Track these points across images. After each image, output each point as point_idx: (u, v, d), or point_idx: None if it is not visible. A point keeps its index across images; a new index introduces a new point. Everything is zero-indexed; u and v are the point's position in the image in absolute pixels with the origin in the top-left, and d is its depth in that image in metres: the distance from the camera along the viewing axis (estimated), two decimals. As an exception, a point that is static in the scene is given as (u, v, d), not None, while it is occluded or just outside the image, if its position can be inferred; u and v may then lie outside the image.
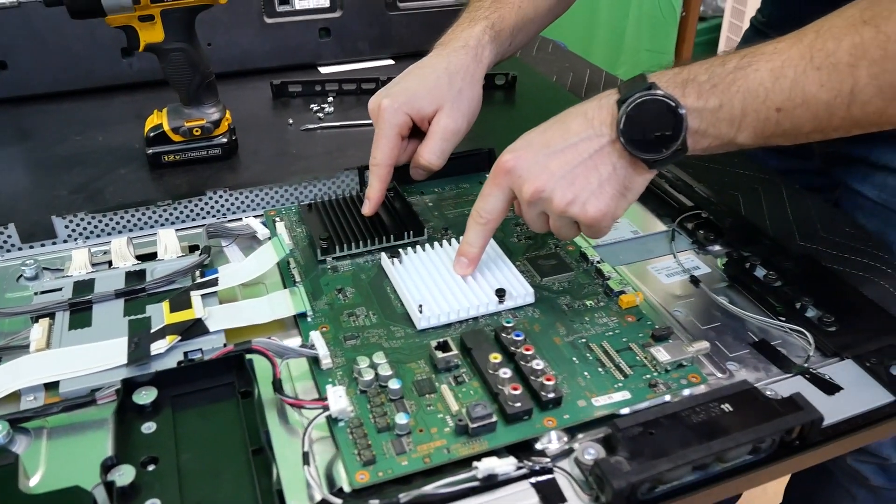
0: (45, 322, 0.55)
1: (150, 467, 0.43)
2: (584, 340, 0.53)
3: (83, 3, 0.68)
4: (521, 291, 0.56)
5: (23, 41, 0.93)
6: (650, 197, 0.71)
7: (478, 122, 0.92)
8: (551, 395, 0.46)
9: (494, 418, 0.45)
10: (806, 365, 0.51)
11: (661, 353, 0.50)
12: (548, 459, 0.44)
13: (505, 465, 0.42)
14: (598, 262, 0.60)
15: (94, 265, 0.62)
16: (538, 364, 0.48)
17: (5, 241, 0.65)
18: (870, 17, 0.45)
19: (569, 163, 0.51)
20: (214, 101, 0.79)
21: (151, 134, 0.78)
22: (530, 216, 0.55)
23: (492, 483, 0.42)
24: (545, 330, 0.54)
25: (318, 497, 0.42)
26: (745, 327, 0.55)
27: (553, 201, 0.52)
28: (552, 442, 0.45)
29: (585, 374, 0.50)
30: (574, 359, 0.51)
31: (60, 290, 0.58)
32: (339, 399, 0.46)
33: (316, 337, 0.51)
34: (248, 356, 0.49)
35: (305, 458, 0.43)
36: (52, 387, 0.50)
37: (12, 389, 0.49)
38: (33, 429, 0.48)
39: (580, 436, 0.46)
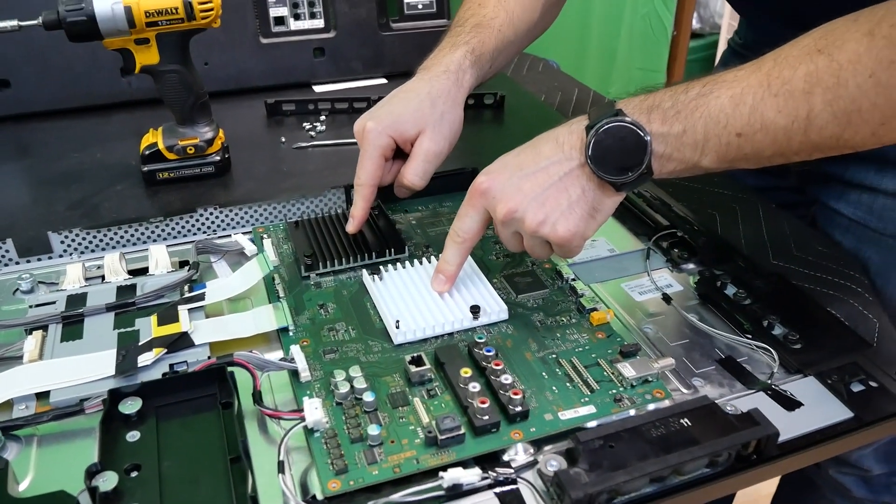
0: (38, 334, 0.57)
1: (133, 474, 0.45)
2: (554, 356, 0.54)
3: (81, 27, 0.70)
4: (495, 308, 0.58)
5: (25, 60, 0.95)
6: (628, 215, 0.73)
7: (466, 140, 0.94)
8: (518, 409, 0.48)
9: (463, 430, 0.47)
10: (769, 381, 0.53)
11: (628, 369, 0.52)
12: (512, 470, 0.46)
13: (470, 476, 0.44)
14: (573, 279, 0.62)
15: (87, 279, 0.65)
16: (507, 378, 0.50)
17: (3, 256, 0.68)
18: (824, 45, 0.47)
19: (540, 185, 0.54)
20: (208, 121, 0.81)
21: (147, 152, 0.80)
22: (505, 235, 0.57)
23: (457, 493, 0.44)
24: (517, 345, 0.56)
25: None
26: (713, 344, 0.57)
27: (525, 221, 0.54)
28: (518, 454, 0.47)
29: (554, 388, 0.51)
30: (543, 373, 0.53)
31: (54, 303, 0.61)
32: (314, 411, 0.48)
33: (296, 351, 0.53)
34: (229, 369, 0.52)
35: (280, 467, 0.45)
36: (43, 396, 0.52)
37: (5, 399, 0.52)
38: (24, 436, 0.50)
39: (546, 448, 0.48)
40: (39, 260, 0.69)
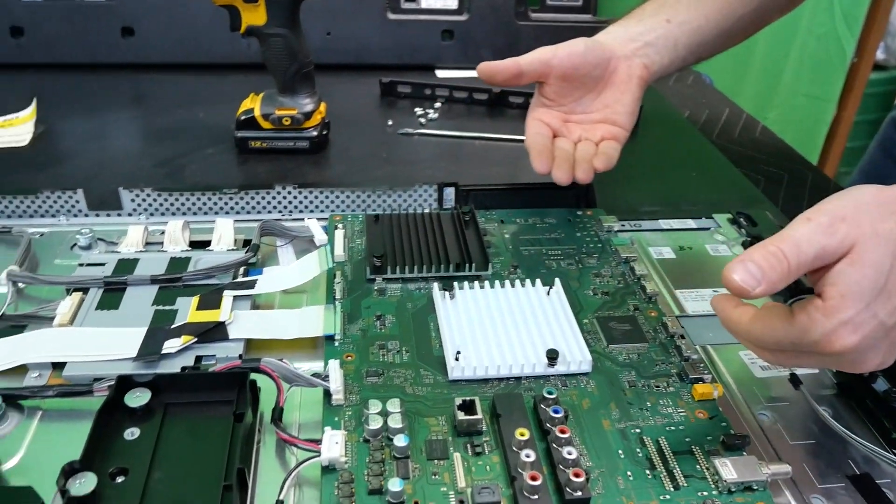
0: (76, 296, 0.53)
1: (119, 479, 0.39)
2: (638, 431, 0.44)
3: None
4: (577, 357, 0.48)
5: (151, 11, 0.94)
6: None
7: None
8: (577, 495, 0.39)
9: (502, 508, 0.38)
10: (917, 518, 0.40)
11: (728, 469, 0.40)
12: (552, 575, 0.36)
13: (497, 572, 0.35)
14: (680, 337, 0.51)
15: (147, 244, 0.60)
16: (570, 453, 0.40)
17: (73, 206, 0.64)
18: None
19: None
20: (309, 93, 0.76)
21: (242, 117, 0.76)
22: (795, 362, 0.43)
23: (476, 590, 0.35)
24: (595, 408, 0.45)
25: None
26: (847, 453, 0.44)
27: (863, 366, 0.39)
28: (566, 552, 0.38)
29: (629, 473, 0.41)
30: (620, 451, 0.42)
31: (103, 265, 0.56)
32: (334, 446, 0.41)
33: (333, 367, 0.46)
34: (253, 375, 0.45)
35: (277, 508, 0.38)
36: (59, 366, 0.48)
37: (21, 362, 0.47)
38: (28, 407, 0.46)
39: (605, 550, 0.38)
40: (108, 216, 0.65)
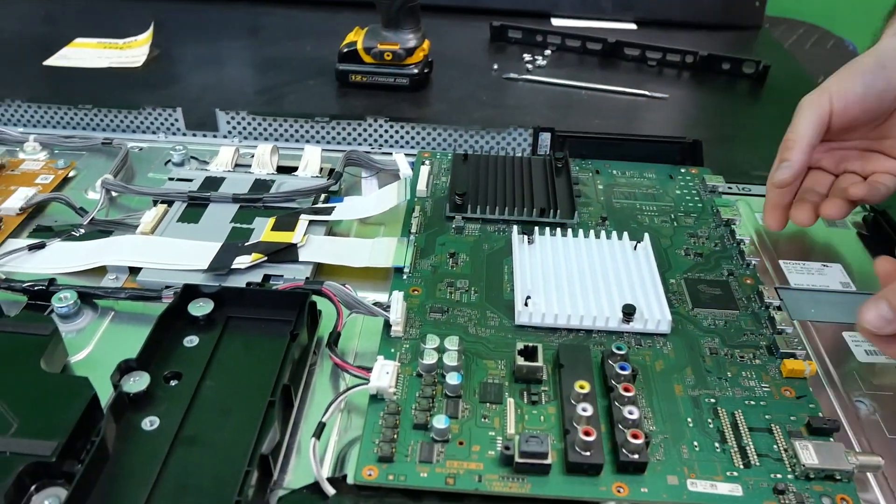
0: (161, 208, 0.54)
1: (172, 382, 0.40)
2: (712, 400, 0.40)
3: None
4: (656, 316, 0.44)
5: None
6: (883, 244, 0.54)
7: (708, 110, 0.78)
8: (633, 457, 0.35)
9: (549, 460, 0.35)
10: None
11: (809, 453, 0.36)
12: (593, 536, 0.33)
13: (534, 524, 0.33)
14: (777, 308, 0.46)
15: (237, 165, 0.61)
16: (632, 413, 0.37)
17: (172, 124, 0.66)
18: None
19: None
20: (414, 28, 0.74)
21: (344, 50, 0.75)
22: None
23: (508, 540, 0.33)
24: (668, 372, 0.42)
25: (315, 476, 0.36)
26: (958, 455, 0.39)
27: None
28: (613, 515, 0.35)
29: (695, 444, 0.37)
30: (689, 419, 0.39)
31: (191, 181, 0.57)
32: (384, 375, 0.39)
33: (396, 298, 0.44)
34: (314, 297, 0.44)
35: (318, 430, 0.37)
36: (136, 272, 0.49)
37: (100, 264, 0.49)
38: (102, 307, 0.47)
39: (657, 520, 0.35)
40: (205, 136, 0.66)
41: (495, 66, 0.82)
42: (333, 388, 0.43)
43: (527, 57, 0.84)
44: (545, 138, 0.63)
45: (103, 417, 0.36)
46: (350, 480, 0.36)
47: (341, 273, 0.50)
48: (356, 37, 0.75)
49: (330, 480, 0.36)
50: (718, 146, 0.65)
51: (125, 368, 0.39)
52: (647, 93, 0.77)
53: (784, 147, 0.49)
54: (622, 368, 0.40)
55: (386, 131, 0.64)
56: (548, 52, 0.86)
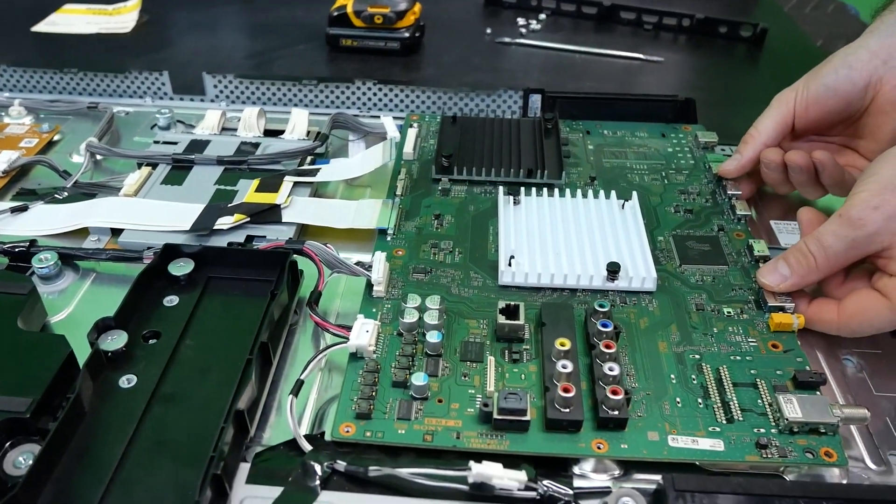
0: (145, 170, 0.54)
1: (151, 342, 0.39)
2: (697, 357, 0.40)
3: None
4: (641, 273, 0.43)
5: None
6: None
7: (704, 74, 0.77)
8: (612, 414, 0.35)
9: (528, 417, 0.35)
10: None
11: (793, 406, 0.35)
12: (570, 492, 0.33)
13: (509, 479, 0.32)
14: (764, 259, 0.45)
15: (223, 129, 0.60)
16: (612, 369, 0.36)
17: (159, 88, 0.65)
18: None
19: None
20: (404, -10, 0.72)
21: (335, 13, 0.73)
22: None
23: (483, 495, 0.32)
24: (653, 329, 0.41)
25: (293, 433, 0.35)
26: (944, 412, 0.38)
27: None
28: (591, 472, 0.34)
29: (677, 400, 0.37)
30: (672, 376, 0.38)
31: (176, 143, 0.57)
32: (363, 333, 0.39)
33: (378, 259, 0.44)
34: (296, 257, 0.44)
35: (296, 388, 0.37)
36: (118, 233, 0.48)
37: (82, 225, 0.48)
38: (84, 269, 0.47)
39: (636, 475, 0.35)
40: (192, 100, 0.65)
41: (488, 31, 0.81)
42: (314, 348, 0.42)
43: (521, 21, 0.83)
44: (535, 100, 0.62)
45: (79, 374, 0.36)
46: (328, 437, 0.35)
47: (326, 234, 0.49)
48: (346, 0, 0.73)
49: (308, 437, 0.36)
50: (714, 109, 0.64)
51: (102, 327, 0.39)
52: (642, 56, 0.76)
53: (742, 140, 0.51)
54: (604, 325, 0.39)
55: (374, 94, 0.63)
56: (542, 16, 0.85)
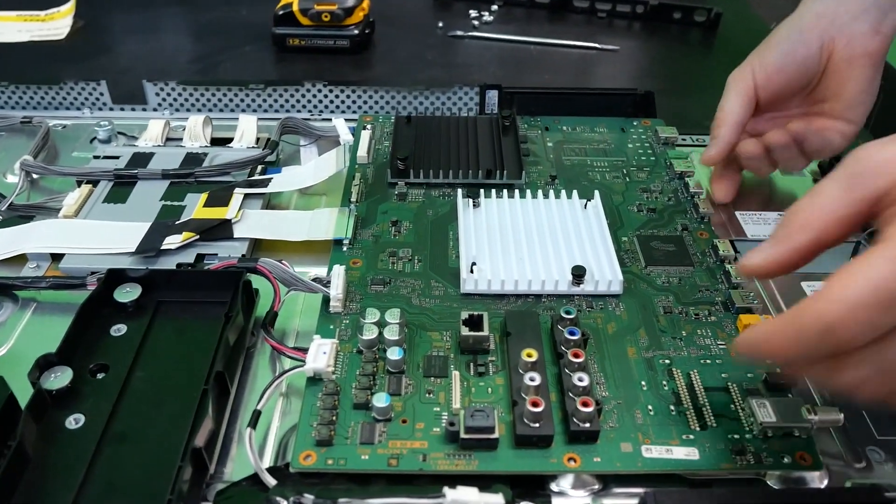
0: (85, 189, 0.51)
1: (99, 376, 0.37)
2: (667, 362, 0.39)
3: None
4: (607, 276, 0.42)
5: None
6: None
7: (660, 62, 0.76)
8: (584, 426, 0.34)
9: (497, 434, 0.34)
10: None
11: (766, 410, 0.35)
12: (545, 512, 0.32)
13: (484, 502, 0.31)
14: (733, 261, 0.45)
15: (168, 139, 0.57)
16: (581, 379, 0.35)
17: (97, 99, 0.62)
18: None
19: None
20: (352, -14, 0.70)
21: (280, 12, 0.71)
22: None
23: (458, 522, 0.31)
24: (621, 334, 0.40)
25: (254, 468, 0.33)
26: (916, 402, 0.38)
27: None
28: (567, 488, 0.33)
29: (649, 408, 0.36)
30: (643, 383, 0.37)
31: (118, 158, 0.54)
32: (320, 356, 0.37)
33: (336, 273, 0.42)
34: (250, 276, 0.42)
35: (254, 419, 0.35)
36: (59, 258, 0.46)
37: (19, 252, 0.46)
38: (23, 298, 0.44)
39: (616, 489, 0.34)
40: (133, 110, 0.63)
41: (440, 24, 0.79)
42: (274, 372, 0.41)
43: (473, 13, 0.81)
44: (492, 96, 0.60)
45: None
46: (292, 468, 0.34)
47: (280, 248, 0.47)
48: (292, -2, 0.71)
49: (272, 470, 0.34)
50: (671, 97, 0.63)
51: (44, 364, 0.36)
52: (597, 45, 0.75)
53: (713, 125, 0.49)
54: (571, 333, 0.38)
55: (325, 96, 0.61)
56: (494, 7, 0.83)
